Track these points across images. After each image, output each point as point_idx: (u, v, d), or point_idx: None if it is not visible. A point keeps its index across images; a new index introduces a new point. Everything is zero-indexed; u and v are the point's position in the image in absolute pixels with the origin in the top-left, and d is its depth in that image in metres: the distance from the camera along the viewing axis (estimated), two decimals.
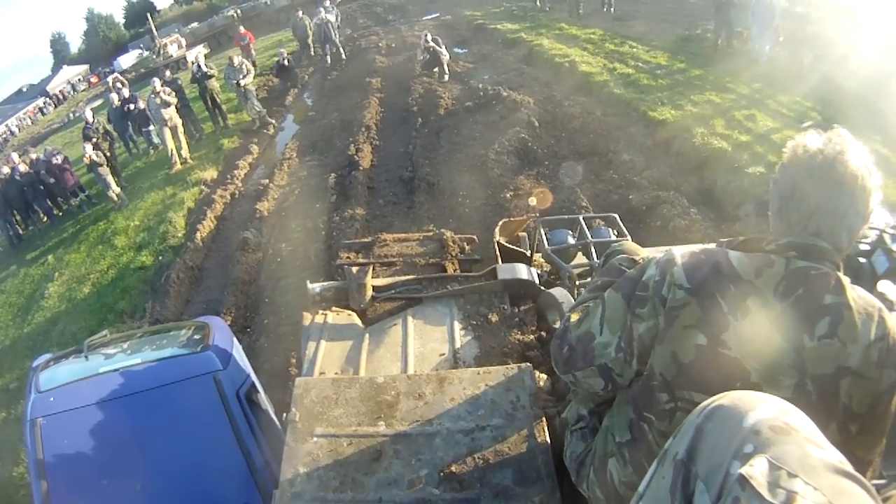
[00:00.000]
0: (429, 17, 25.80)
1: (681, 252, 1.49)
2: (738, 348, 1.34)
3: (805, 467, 0.84)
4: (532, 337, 3.26)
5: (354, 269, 3.57)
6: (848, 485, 0.83)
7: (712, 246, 1.51)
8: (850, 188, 1.35)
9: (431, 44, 14.59)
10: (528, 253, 3.81)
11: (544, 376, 2.76)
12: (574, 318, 1.74)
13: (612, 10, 19.27)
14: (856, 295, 1.35)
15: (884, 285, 2.53)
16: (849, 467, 0.87)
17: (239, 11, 35.91)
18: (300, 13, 21.66)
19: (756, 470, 0.84)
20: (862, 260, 2.78)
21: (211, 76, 14.53)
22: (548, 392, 2.66)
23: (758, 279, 1.36)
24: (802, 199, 1.39)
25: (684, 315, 1.40)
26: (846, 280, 1.35)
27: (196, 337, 3.93)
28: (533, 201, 7.48)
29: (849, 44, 12.25)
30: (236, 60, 14.07)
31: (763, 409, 0.96)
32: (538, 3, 22.28)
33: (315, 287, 3.55)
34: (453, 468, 2.17)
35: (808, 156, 1.39)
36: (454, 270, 3.78)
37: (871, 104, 9.21)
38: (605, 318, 1.59)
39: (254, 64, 18.91)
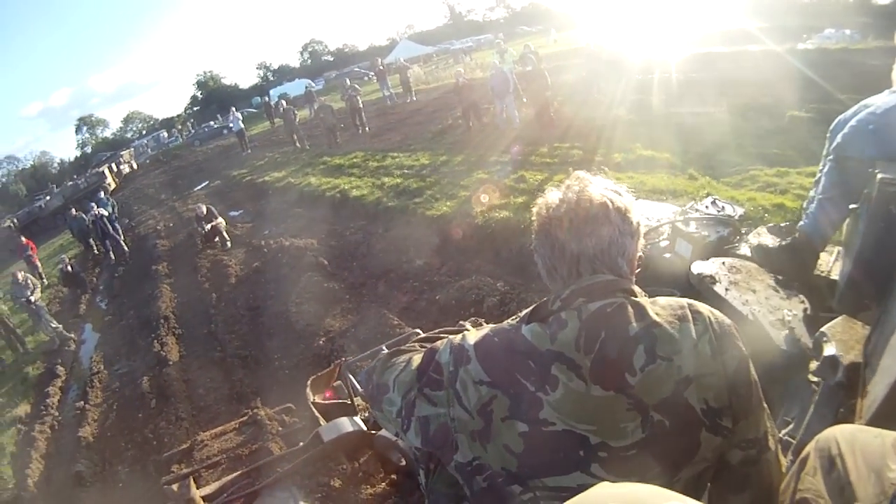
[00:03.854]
0: (199, 187, 25.40)
1: (474, 341, 1.40)
2: (562, 421, 1.26)
3: None
4: (383, 485, 3.13)
5: (175, 486, 3.25)
6: None
7: (505, 325, 1.43)
8: (605, 217, 1.33)
9: (206, 214, 14.37)
10: (349, 401, 3.69)
11: None
12: (385, 357, 1.65)
13: (367, 129, 20.49)
14: (658, 308, 1.31)
15: (697, 266, 2.63)
16: None
17: (16, 220, 32.57)
18: (73, 211, 20.38)
19: None
20: (667, 255, 2.93)
21: None
22: None
23: (555, 344, 1.29)
24: (563, 251, 1.36)
25: (497, 409, 1.31)
26: (644, 300, 1.33)
27: None
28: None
29: (583, 83, 14.20)
30: (20, 276, 12.79)
31: None
32: (297, 144, 23.04)
33: None
34: None
35: (553, 209, 1.38)
36: (280, 449, 3.56)
37: (621, 123, 10.41)
38: (398, 378, 1.52)
39: (40, 276, 17.34)
